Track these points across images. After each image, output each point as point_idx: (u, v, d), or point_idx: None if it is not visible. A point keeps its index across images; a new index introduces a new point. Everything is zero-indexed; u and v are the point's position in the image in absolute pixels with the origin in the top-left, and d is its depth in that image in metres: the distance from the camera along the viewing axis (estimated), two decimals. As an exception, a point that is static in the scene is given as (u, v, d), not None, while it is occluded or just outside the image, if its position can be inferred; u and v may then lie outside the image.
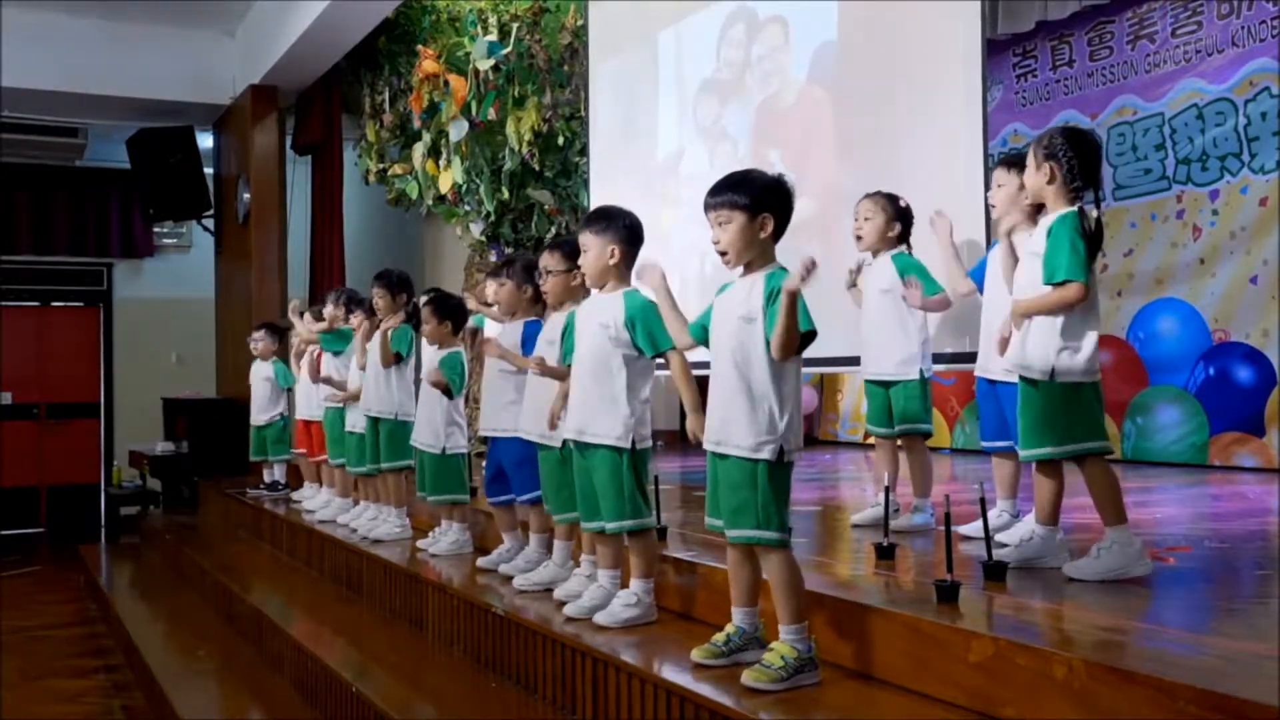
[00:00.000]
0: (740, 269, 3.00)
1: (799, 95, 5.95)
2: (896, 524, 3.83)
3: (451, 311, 5.01)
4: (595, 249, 3.54)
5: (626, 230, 3.54)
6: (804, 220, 5.75)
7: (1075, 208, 3.22)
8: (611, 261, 3.52)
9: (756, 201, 2.91)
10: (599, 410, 3.46)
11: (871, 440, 4.53)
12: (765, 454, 2.83)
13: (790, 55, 6.01)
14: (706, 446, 2.97)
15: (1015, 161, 3.88)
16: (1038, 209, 3.81)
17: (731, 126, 6.41)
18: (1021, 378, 3.31)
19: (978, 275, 4.04)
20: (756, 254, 2.95)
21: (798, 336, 2.81)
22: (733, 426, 2.88)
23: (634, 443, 3.43)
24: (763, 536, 2.85)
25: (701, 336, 3.09)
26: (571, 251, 3.76)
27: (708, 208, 2.98)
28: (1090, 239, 3.17)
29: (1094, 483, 3.22)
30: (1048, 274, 3.17)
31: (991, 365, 3.84)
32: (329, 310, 6.47)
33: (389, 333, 5.39)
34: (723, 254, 2.97)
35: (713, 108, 6.61)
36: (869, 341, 4.29)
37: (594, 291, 3.63)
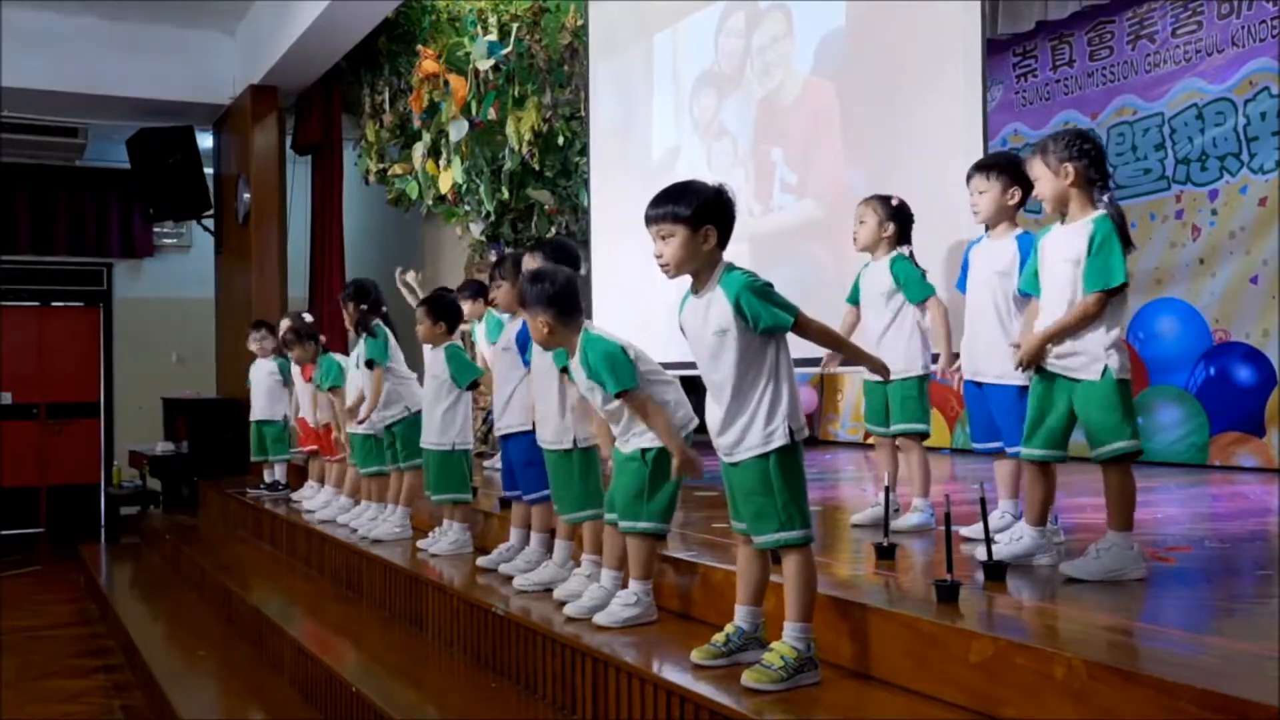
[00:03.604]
0: (685, 281, 2.99)
1: (803, 88, 5.80)
2: (895, 524, 3.83)
3: (446, 313, 5.02)
4: (531, 323, 3.56)
5: (551, 296, 3.48)
6: (809, 222, 5.79)
7: (1107, 210, 3.22)
8: (546, 332, 3.52)
9: (698, 214, 2.89)
10: (630, 431, 3.46)
11: (872, 440, 4.54)
12: (777, 440, 2.83)
13: (793, 45, 5.83)
14: (723, 458, 2.96)
15: (993, 165, 3.88)
16: (1017, 209, 3.84)
17: (730, 122, 6.29)
18: (1046, 376, 3.30)
19: (960, 282, 4.05)
20: (701, 265, 2.93)
21: None
22: (745, 432, 2.87)
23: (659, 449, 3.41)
24: (787, 538, 2.85)
25: None
26: (552, 254, 3.77)
27: (649, 221, 2.95)
28: (1124, 236, 3.20)
29: (1113, 485, 3.21)
30: (1104, 280, 3.15)
31: (982, 368, 3.84)
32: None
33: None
34: (664, 267, 2.95)
35: (710, 102, 6.45)
36: (869, 344, 4.29)
37: None
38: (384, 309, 5.75)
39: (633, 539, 3.48)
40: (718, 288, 2.90)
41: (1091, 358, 3.20)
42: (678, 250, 2.90)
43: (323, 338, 6.87)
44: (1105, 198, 3.24)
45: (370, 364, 5.55)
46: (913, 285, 4.16)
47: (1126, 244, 3.20)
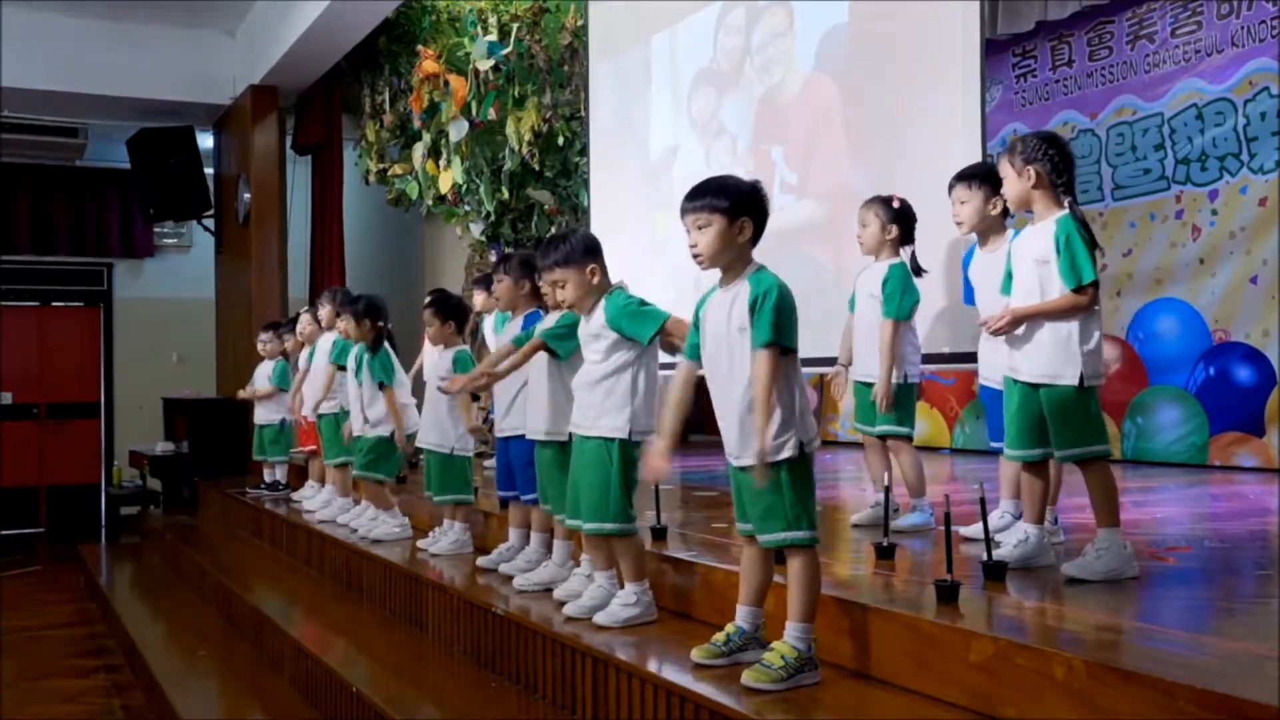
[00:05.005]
0: (718, 275, 2.99)
1: (804, 85, 5.75)
2: (894, 524, 3.83)
3: (454, 312, 5.02)
4: (575, 278, 3.55)
5: (592, 249, 3.58)
6: (811, 223, 5.78)
7: (1069, 210, 3.23)
8: (594, 281, 3.55)
9: (736, 205, 2.90)
10: (603, 410, 3.45)
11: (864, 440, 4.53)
12: (787, 452, 2.83)
13: (794, 41, 5.78)
14: (730, 460, 2.95)
15: (975, 175, 3.87)
16: (1004, 216, 3.83)
17: (730, 121, 6.25)
18: (1019, 382, 3.30)
19: (966, 296, 4.03)
20: (734, 257, 2.94)
21: None
22: (751, 439, 2.85)
23: (630, 433, 3.42)
24: (794, 538, 2.84)
25: (697, 355, 3.05)
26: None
27: (685, 211, 2.97)
28: (1089, 238, 3.20)
29: (1095, 484, 3.23)
30: (1074, 279, 3.15)
31: (996, 374, 3.82)
32: (325, 312, 6.49)
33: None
34: (697, 256, 2.95)
35: (709, 101, 6.41)
36: (858, 343, 4.29)
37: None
38: (388, 327, 5.72)
39: (617, 544, 3.47)
40: (745, 283, 2.89)
41: (1061, 364, 3.21)
42: (714, 240, 2.90)
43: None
44: (1067, 201, 3.24)
45: (382, 385, 5.54)
46: (888, 301, 4.10)
47: (1092, 245, 3.20)
